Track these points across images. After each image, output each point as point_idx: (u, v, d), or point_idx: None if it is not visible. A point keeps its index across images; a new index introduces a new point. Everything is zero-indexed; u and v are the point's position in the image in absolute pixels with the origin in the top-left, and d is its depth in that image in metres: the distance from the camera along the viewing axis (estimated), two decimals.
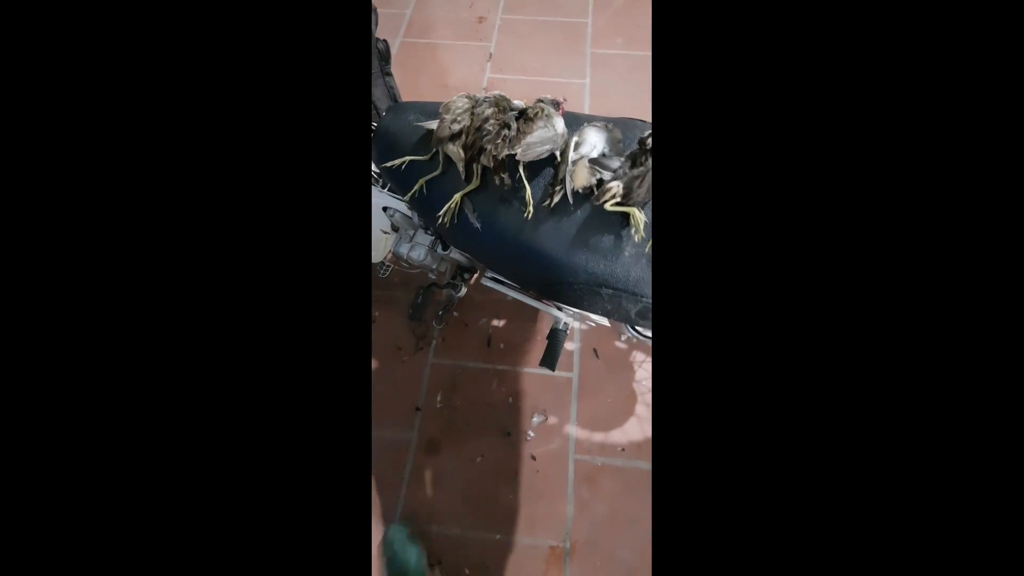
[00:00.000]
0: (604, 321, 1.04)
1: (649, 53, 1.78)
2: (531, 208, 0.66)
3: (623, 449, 1.17)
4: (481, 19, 1.86)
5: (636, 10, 1.89)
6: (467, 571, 1.07)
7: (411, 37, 1.82)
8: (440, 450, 1.18)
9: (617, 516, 1.10)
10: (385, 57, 0.98)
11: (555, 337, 1.11)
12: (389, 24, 1.85)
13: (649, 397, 1.22)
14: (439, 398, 1.24)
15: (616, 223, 0.64)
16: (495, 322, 1.33)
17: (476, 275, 1.38)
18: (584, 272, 0.64)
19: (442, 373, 1.27)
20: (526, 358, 1.28)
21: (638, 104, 1.63)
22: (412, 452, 1.18)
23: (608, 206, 0.62)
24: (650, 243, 0.62)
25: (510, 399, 1.23)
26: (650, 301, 0.62)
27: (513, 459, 1.17)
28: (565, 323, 1.09)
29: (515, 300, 1.13)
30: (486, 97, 0.71)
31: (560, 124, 0.67)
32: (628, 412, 1.21)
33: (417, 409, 1.23)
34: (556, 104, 0.71)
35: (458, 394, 1.24)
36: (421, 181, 0.72)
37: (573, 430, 1.19)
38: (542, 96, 0.71)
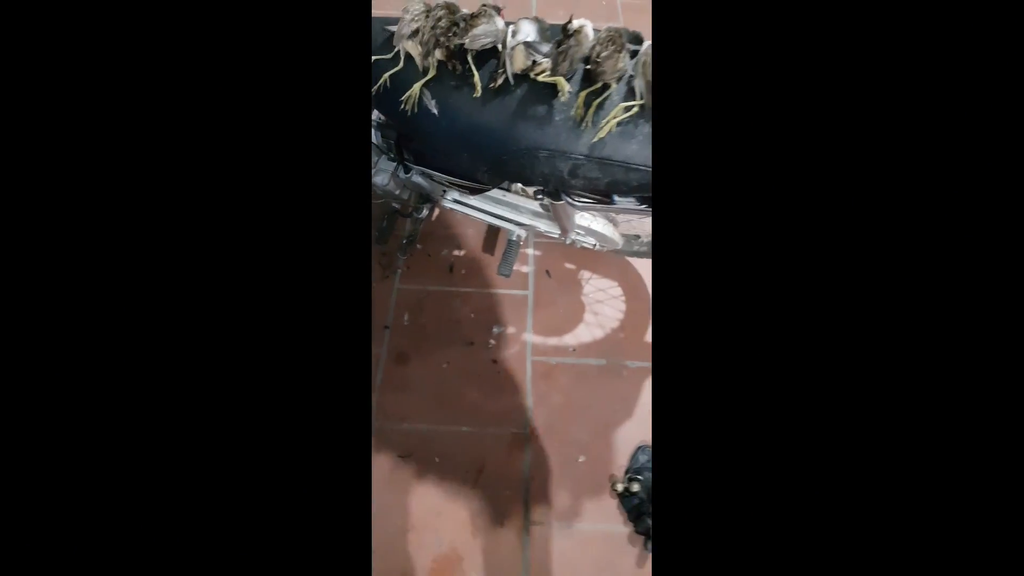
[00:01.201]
0: (554, 232, 1.18)
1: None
2: (479, 88, 0.79)
3: (574, 349, 1.31)
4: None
5: None
6: (437, 459, 1.17)
7: None
8: (408, 361, 1.29)
9: (571, 405, 1.24)
10: None
11: (510, 247, 1.24)
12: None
13: (596, 306, 1.37)
14: (406, 317, 1.35)
15: (548, 96, 0.78)
16: (456, 252, 1.45)
17: (436, 210, 1.49)
18: (524, 139, 0.78)
19: (408, 297, 1.38)
20: (486, 281, 1.40)
21: None
22: (382, 365, 1.28)
23: (540, 78, 0.76)
24: (577, 109, 0.76)
25: (472, 315, 1.35)
26: (580, 158, 0.76)
27: (476, 364, 1.29)
28: (518, 235, 1.23)
29: (474, 233, 1.26)
30: (438, 3, 0.84)
31: (500, 21, 0.81)
32: (577, 320, 1.35)
33: (386, 327, 1.33)
34: (497, 8, 0.85)
35: (424, 314, 1.35)
36: (385, 76, 0.84)
37: (530, 337, 1.33)
38: (485, 2, 0.85)
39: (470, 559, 1.09)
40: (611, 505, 1.13)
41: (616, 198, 0.86)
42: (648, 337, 1.33)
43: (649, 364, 1.29)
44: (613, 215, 1.16)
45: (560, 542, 1.09)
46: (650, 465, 1.15)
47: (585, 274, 1.43)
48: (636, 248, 1.30)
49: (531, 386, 1.26)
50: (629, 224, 1.27)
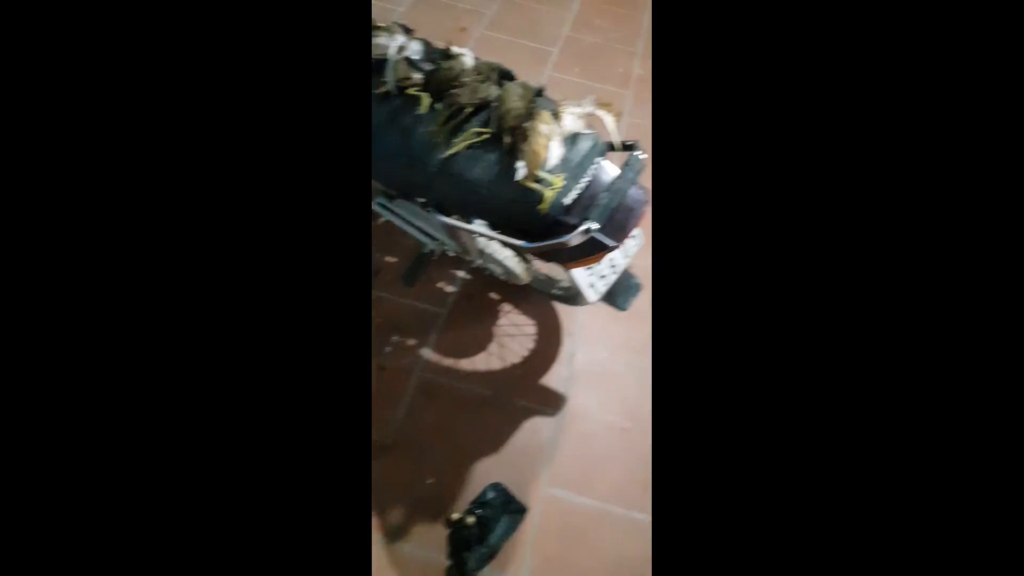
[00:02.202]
0: (459, 252, 1.21)
1: (601, 85, 2.05)
2: (378, 90, 0.86)
3: (465, 374, 1.30)
4: (463, 29, 2.16)
5: (599, 52, 2.18)
6: None
7: None
8: None
9: (442, 427, 1.22)
10: None
11: (419, 259, 1.28)
12: (379, 15, 2.16)
13: (505, 339, 1.37)
14: None
15: (415, 109, 0.83)
16: (388, 258, 1.51)
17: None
18: (391, 145, 0.83)
19: None
20: (406, 292, 1.44)
21: None
22: None
23: (410, 91, 0.82)
24: (437, 124, 0.80)
25: (378, 319, 1.39)
26: (432, 171, 0.80)
27: None
28: (431, 248, 1.27)
29: (414, 243, 1.30)
30: None
31: (400, 38, 0.89)
32: (480, 348, 1.35)
33: None
34: (406, 28, 0.93)
35: None
36: None
37: (426, 352, 1.34)
38: (397, 21, 0.93)
39: None
40: (441, 535, 1.09)
41: (474, 220, 0.88)
42: (542, 381, 1.31)
43: (534, 406, 1.26)
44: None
45: (377, 559, 1.06)
46: (496, 504, 1.10)
47: (506, 307, 1.43)
48: (553, 291, 1.30)
49: (409, 399, 1.26)
50: (548, 265, 1.28)
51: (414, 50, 0.86)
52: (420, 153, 0.81)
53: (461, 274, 1.48)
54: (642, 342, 1.38)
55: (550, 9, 2.33)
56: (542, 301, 1.44)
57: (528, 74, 2.04)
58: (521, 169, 0.75)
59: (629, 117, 1.95)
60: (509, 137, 0.76)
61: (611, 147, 0.83)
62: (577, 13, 2.34)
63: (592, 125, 0.83)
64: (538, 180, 0.74)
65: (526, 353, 1.35)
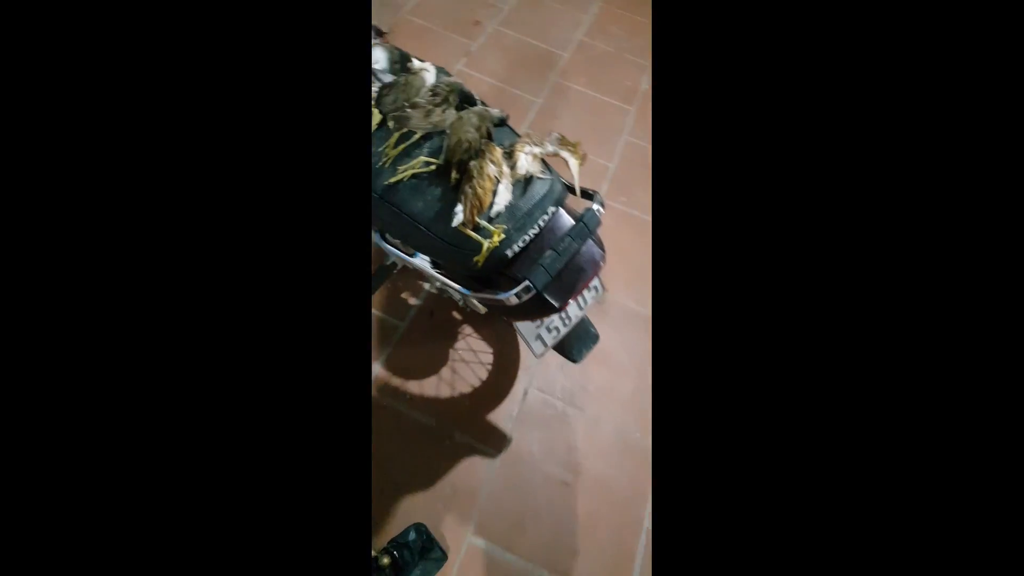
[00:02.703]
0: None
1: (606, 98, 1.94)
2: None
3: (409, 398, 1.23)
4: (477, 23, 2.05)
5: (609, 61, 2.07)
6: None
7: (410, 15, 2.02)
8: None
9: (374, 452, 1.15)
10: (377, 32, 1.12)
11: (380, 269, 1.20)
12: (395, 1, 2.05)
13: (459, 365, 1.29)
14: None
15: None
16: None
17: None
18: None
19: None
20: (373, 299, 1.36)
21: (580, 132, 1.77)
22: None
23: None
24: (386, 146, 0.72)
25: None
26: (376, 196, 0.72)
27: None
28: (393, 262, 1.19)
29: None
30: None
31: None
32: (432, 370, 1.28)
33: None
34: (379, 32, 0.84)
35: None
36: None
37: (375, 367, 1.26)
38: (373, 25, 0.84)
39: None
40: None
41: (417, 253, 0.80)
42: (489, 416, 1.23)
43: (475, 444, 1.19)
44: None
45: None
46: (414, 547, 1.04)
47: (466, 329, 1.35)
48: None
49: None
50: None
51: (377, 58, 0.77)
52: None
53: (427, 287, 1.40)
54: (600, 388, 1.30)
55: (568, 10, 2.21)
56: (506, 328, 1.36)
57: (534, 78, 1.93)
58: (459, 214, 0.66)
59: (628, 136, 1.85)
60: (456, 172, 0.67)
61: (571, 191, 0.74)
62: (595, 17, 2.22)
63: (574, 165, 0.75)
64: (477, 228, 0.66)
65: (477, 383, 1.28)
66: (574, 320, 0.89)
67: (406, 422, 1.20)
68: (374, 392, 1.22)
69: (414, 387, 1.25)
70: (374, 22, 0.85)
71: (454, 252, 0.68)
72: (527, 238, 0.68)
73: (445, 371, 1.28)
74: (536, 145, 0.69)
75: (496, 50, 1.99)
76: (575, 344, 1.00)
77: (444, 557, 1.05)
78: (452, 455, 1.17)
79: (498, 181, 0.66)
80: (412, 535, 1.06)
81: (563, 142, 0.72)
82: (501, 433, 1.21)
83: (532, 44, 2.04)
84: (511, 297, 0.67)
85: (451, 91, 0.71)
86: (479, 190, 0.64)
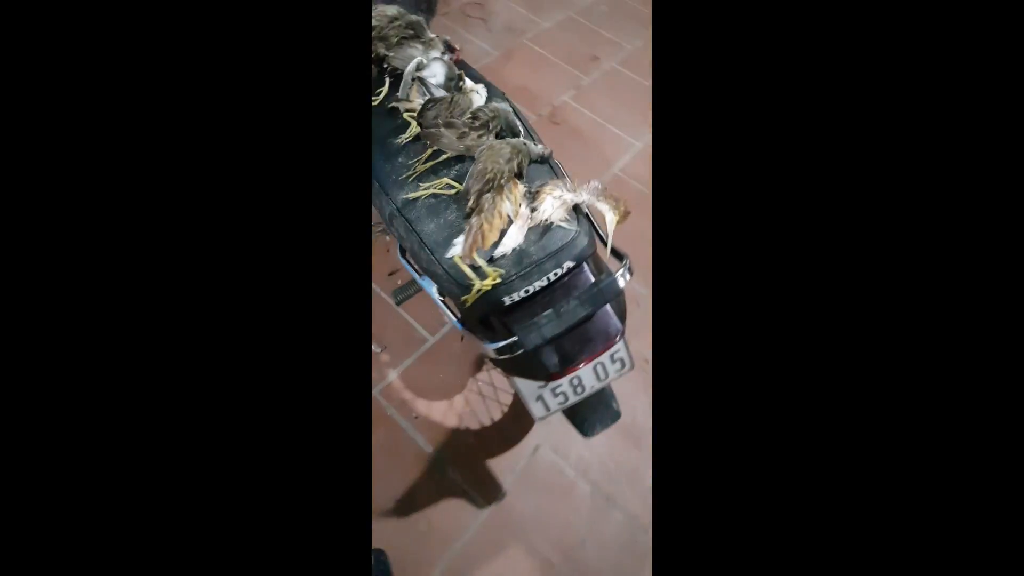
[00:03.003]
0: None
1: None
2: (377, 99, 0.78)
3: (416, 416, 1.18)
4: (595, 58, 2.02)
5: None
6: None
7: (531, 42, 2.04)
8: None
9: (378, 464, 1.11)
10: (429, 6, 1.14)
11: (412, 282, 1.18)
12: (525, 26, 2.09)
13: (474, 398, 1.22)
14: None
15: (400, 129, 0.72)
16: None
17: None
18: (373, 164, 0.73)
19: None
20: (411, 306, 1.35)
21: None
22: None
23: (404, 114, 0.71)
24: (417, 161, 0.69)
25: (372, 321, 1.31)
26: (395, 208, 0.69)
27: None
28: None
29: None
30: (410, 19, 0.84)
31: (433, 52, 0.78)
32: (447, 395, 1.22)
33: None
34: (451, 48, 0.82)
35: None
36: None
37: (392, 375, 1.24)
38: (444, 38, 0.83)
39: None
40: None
41: (424, 276, 0.76)
42: (490, 462, 1.14)
43: (467, 488, 1.10)
44: None
45: None
46: (378, 571, 0.98)
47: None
48: None
49: None
50: None
51: (435, 72, 0.75)
52: (387, 183, 0.70)
53: None
54: (622, 468, 1.14)
55: None
56: None
57: (638, 121, 1.84)
58: (457, 245, 0.60)
59: None
60: (472, 201, 0.62)
61: (616, 254, 0.65)
62: None
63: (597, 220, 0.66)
64: (475, 266, 0.60)
65: (488, 423, 1.20)
66: (587, 390, 0.79)
67: (403, 441, 1.15)
68: (382, 400, 1.20)
69: (423, 407, 1.20)
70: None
71: (450, 284, 0.62)
72: (532, 289, 0.61)
73: (458, 399, 1.22)
74: (569, 191, 0.62)
75: (607, 88, 1.94)
76: (589, 416, 0.89)
77: None
78: (439, 491, 1.10)
79: (511, 221, 0.60)
80: (374, 559, 1.01)
81: (604, 194, 0.64)
82: (497, 485, 1.12)
83: (645, 86, 1.95)
84: (491, 349, 0.59)
85: (493, 118, 0.67)
86: (485, 225, 0.58)
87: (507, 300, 0.60)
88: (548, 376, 0.64)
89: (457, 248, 0.60)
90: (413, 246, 0.67)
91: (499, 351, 0.60)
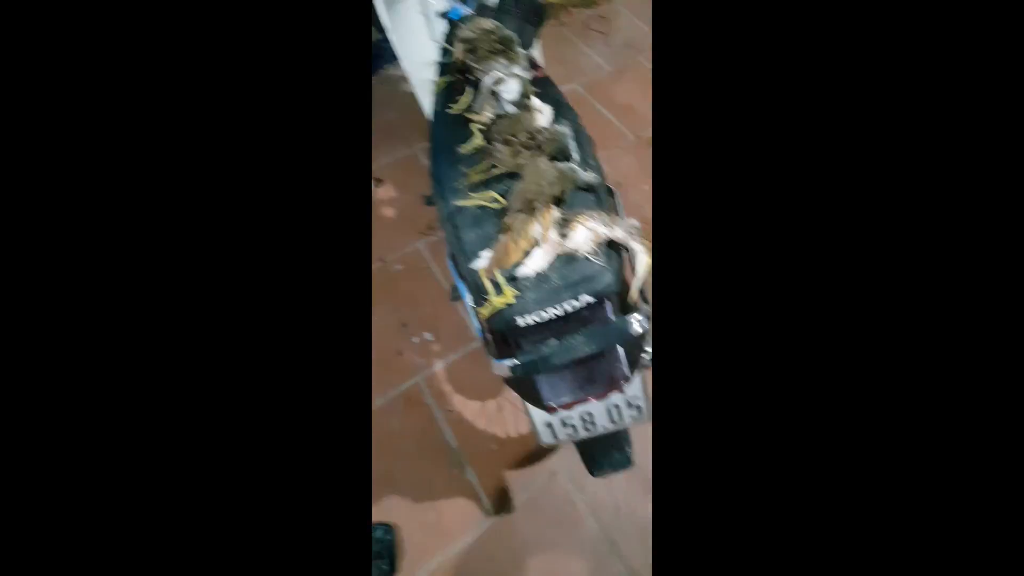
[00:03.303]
0: None
1: None
2: (455, 108, 0.83)
3: (450, 411, 1.23)
4: None
5: None
6: None
7: (645, 60, 1.99)
8: None
9: (392, 441, 1.18)
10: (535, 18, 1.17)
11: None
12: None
13: (506, 406, 1.23)
14: (392, 262, 1.47)
15: (469, 138, 0.76)
16: None
17: None
18: (437, 165, 0.78)
19: (414, 257, 1.49)
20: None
21: None
22: None
23: (473, 124, 0.75)
24: (473, 170, 0.72)
25: (428, 309, 1.38)
26: (446, 211, 0.73)
27: (391, 340, 1.33)
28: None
29: None
30: (506, 34, 0.88)
31: (516, 68, 0.81)
32: (484, 396, 1.25)
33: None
34: (535, 64, 0.84)
35: (405, 280, 1.44)
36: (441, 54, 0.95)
37: (439, 366, 1.29)
38: (529, 54, 0.85)
39: None
40: None
41: (460, 283, 0.78)
42: (507, 472, 1.14)
43: (479, 492, 1.12)
44: None
45: None
46: (375, 546, 1.04)
47: None
48: None
49: (391, 397, 1.25)
50: None
51: (510, 88, 0.77)
52: (446, 187, 0.74)
53: None
54: (634, 519, 1.07)
55: None
56: None
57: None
58: (482, 258, 0.62)
59: None
60: (508, 218, 0.63)
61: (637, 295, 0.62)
62: None
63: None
64: (494, 281, 0.61)
65: (514, 434, 1.20)
66: (599, 430, 0.76)
67: (433, 430, 1.20)
68: (424, 386, 1.26)
69: (458, 402, 1.24)
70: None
71: (475, 294, 0.64)
72: (545, 315, 0.60)
73: (492, 404, 1.24)
74: (604, 225, 0.60)
75: None
76: (598, 455, 0.85)
77: (390, 574, 1.02)
78: (454, 487, 1.13)
79: (538, 244, 0.60)
80: (379, 533, 1.06)
81: (642, 233, 0.61)
82: (509, 498, 1.12)
83: None
84: (494, 367, 0.60)
85: (550, 140, 0.67)
86: (511, 245, 0.59)
87: (520, 321, 0.61)
88: (544, 407, 0.63)
89: (482, 261, 0.62)
90: (455, 251, 0.70)
91: (499, 369, 0.60)
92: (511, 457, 1.17)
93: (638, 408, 0.75)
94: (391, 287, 1.44)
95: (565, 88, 1.91)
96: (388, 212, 1.60)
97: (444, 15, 1.25)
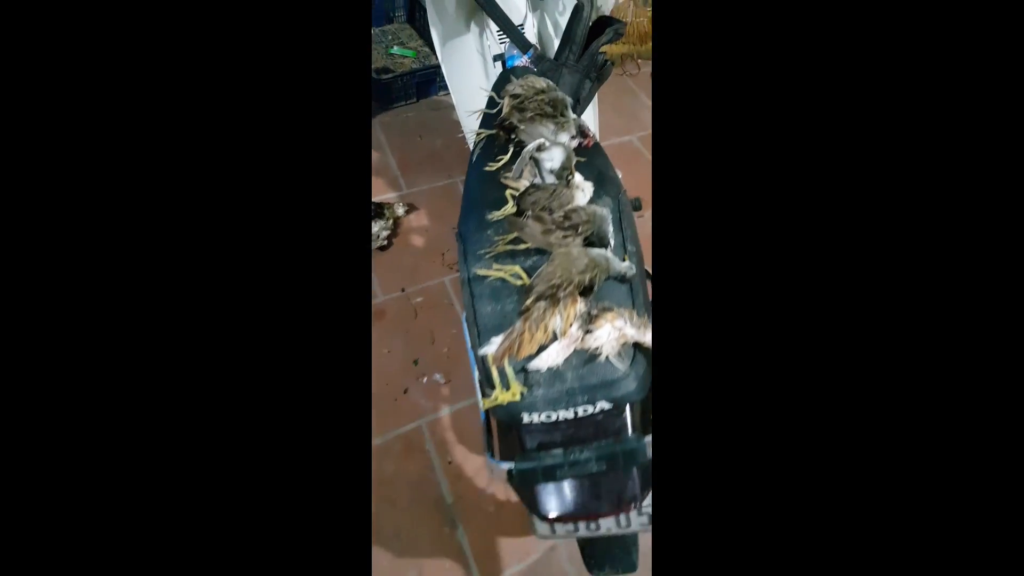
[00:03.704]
0: None
1: None
2: (494, 166, 0.79)
3: (450, 462, 1.17)
4: None
5: None
6: None
7: None
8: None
9: (385, 489, 1.13)
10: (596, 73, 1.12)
11: None
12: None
13: None
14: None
15: (502, 202, 0.71)
16: None
17: None
18: (466, 220, 0.74)
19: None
20: None
21: None
22: None
23: (508, 191, 0.71)
24: (500, 238, 0.68)
25: (445, 349, 1.34)
26: (465, 267, 0.69)
27: (398, 377, 1.29)
28: None
29: None
30: (559, 96, 0.84)
31: (563, 135, 0.77)
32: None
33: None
34: (584, 132, 0.80)
35: (427, 316, 1.41)
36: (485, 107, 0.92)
37: (445, 411, 1.24)
38: (581, 122, 0.80)
39: None
40: None
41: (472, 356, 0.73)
42: (500, 540, 1.07)
43: (469, 554, 1.05)
44: None
45: None
46: None
47: None
48: None
49: (390, 439, 1.20)
50: None
51: (553, 156, 0.73)
52: (470, 251, 0.70)
53: None
54: None
55: None
56: None
57: None
58: (492, 344, 0.57)
59: None
60: (530, 301, 0.58)
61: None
62: None
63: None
64: (502, 371, 0.55)
65: (515, 498, 1.12)
66: (602, 531, 0.69)
67: (429, 480, 1.14)
68: (426, 431, 1.21)
69: (459, 454, 1.19)
70: (581, 120, 0.81)
71: (481, 379, 0.59)
72: (555, 416, 0.55)
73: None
74: (634, 326, 0.54)
75: None
76: (600, 553, 0.78)
77: None
78: (442, 546, 1.07)
79: (555, 337, 0.54)
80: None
81: None
82: (500, 567, 1.05)
83: None
84: (490, 466, 0.54)
85: (586, 221, 0.62)
86: (525, 335, 0.54)
87: (526, 418, 0.56)
88: (540, 517, 0.57)
89: (492, 347, 0.57)
90: (470, 321, 0.66)
91: (495, 471, 0.55)
92: (508, 522, 1.10)
93: (649, 516, 0.68)
94: (407, 320, 1.40)
95: (621, 140, 1.87)
96: (417, 241, 1.58)
97: (500, 58, 1.23)
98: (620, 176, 0.95)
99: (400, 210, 1.57)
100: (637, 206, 1.12)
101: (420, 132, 1.83)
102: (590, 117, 1.30)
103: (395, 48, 1.98)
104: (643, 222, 0.80)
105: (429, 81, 1.92)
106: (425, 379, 1.30)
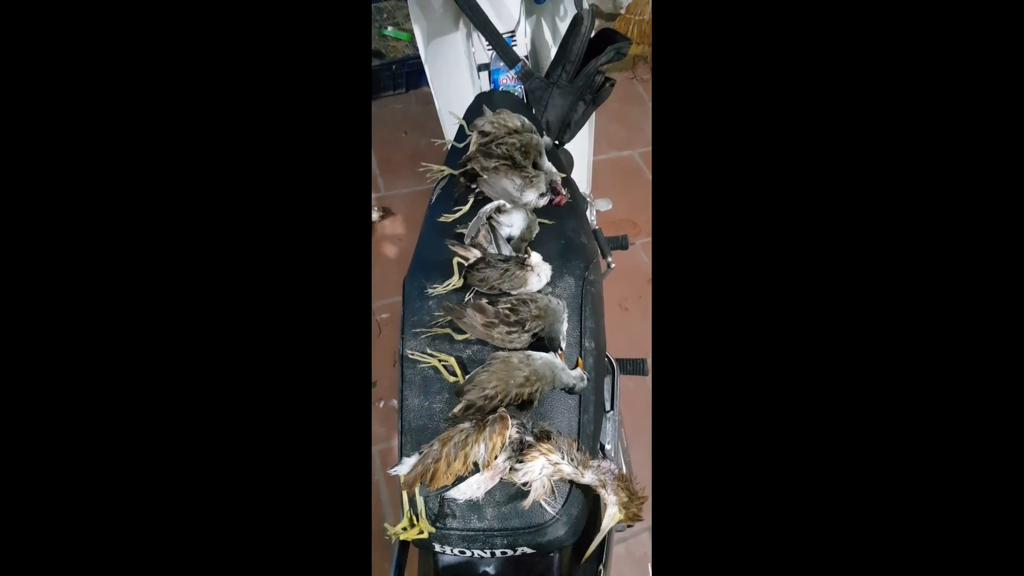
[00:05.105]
0: None
1: None
2: (450, 217, 0.69)
3: (400, 503, 1.11)
4: None
5: None
6: None
7: None
8: None
9: None
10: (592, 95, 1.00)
11: None
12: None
13: None
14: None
15: (450, 267, 0.62)
16: None
17: None
18: (412, 280, 0.64)
19: None
20: None
21: None
22: None
23: (457, 258, 0.61)
24: (441, 314, 0.59)
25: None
26: (400, 353, 0.60)
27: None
28: None
29: None
30: (537, 140, 0.74)
31: (530, 193, 0.67)
32: None
33: None
34: (556, 189, 0.70)
35: (391, 335, 1.33)
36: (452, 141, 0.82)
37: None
38: (554, 176, 0.70)
39: None
40: None
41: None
42: None
43: None
44: None
45: None
46: None
47: None
48: None
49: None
50: None
51: (512, 221, 0.63)
52: (406, 324, 0.61)
53: None
54: None
55: None
56: None
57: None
58: (404, 465, 0.49)
59: None
60: (458, 410, 0.50)
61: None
62: None
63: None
64: (412, 500, 0.48)
65: None
66: None
67: (375, 518, 1.09)
68: (379, 459, 1.14)
69: None
70: (556, 180, 0.71)
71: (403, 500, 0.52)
72: (470, 555, 0.47)
73: None
74: (572, 463, 0.46)
75: None
76: None
77: None
78: None
79: (476, 470, 0.47)
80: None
81: (620, 484, 0.47)
82: None
83: None
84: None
85: (537, 317, 0.53)
86: (441, 463, 0.46)
87: (438, 548, 0.48)
88: None
89: (403, 468, 0.49)
90: (397, 407, 0.58)
91: None
92: None
93: None
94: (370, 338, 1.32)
95: (620, 155, 1.75)
96: (389, 250, 1.48)
97: (485, 68, 1.11)
98: (598, 233, 0.85)
99: (374, 214, 1.47)
100: (623, 244, 1.02)
101: (406, 128, 1.71)
102: (583, 139, 1.19)
103: (388, 29, 1.83)
104: (631, 253, 0.70)
105: (422, 71, 1.78)
106: (382, 403, 1.23)
